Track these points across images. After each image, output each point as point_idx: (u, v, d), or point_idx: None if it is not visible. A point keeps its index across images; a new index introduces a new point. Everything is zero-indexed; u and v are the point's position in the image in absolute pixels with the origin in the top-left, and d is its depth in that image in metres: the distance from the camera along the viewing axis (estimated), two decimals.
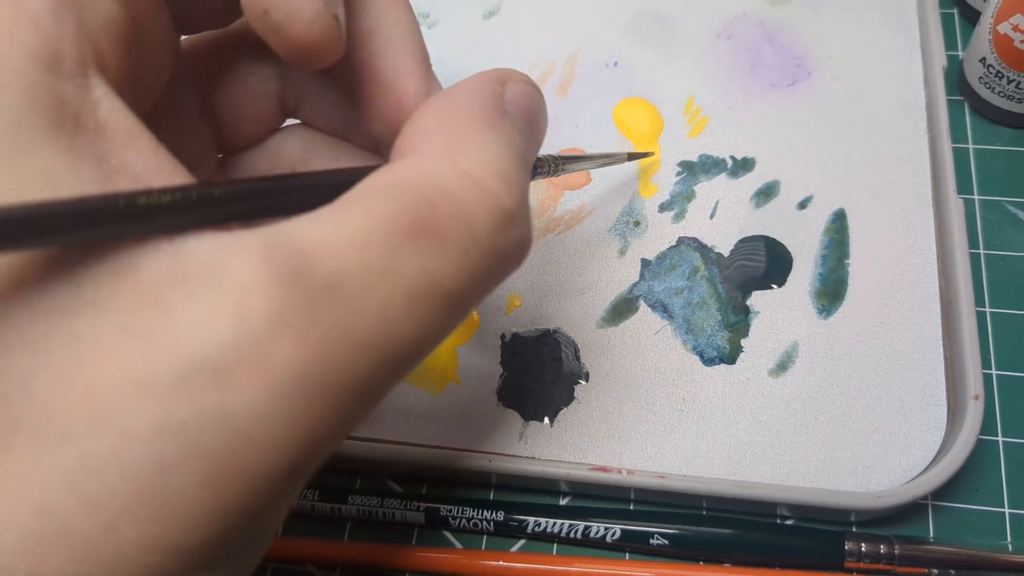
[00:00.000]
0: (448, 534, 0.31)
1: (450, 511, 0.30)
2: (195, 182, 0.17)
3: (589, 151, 0.37)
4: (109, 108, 0.16)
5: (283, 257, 0.16)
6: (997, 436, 0.31)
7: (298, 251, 0.16)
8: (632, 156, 0.35)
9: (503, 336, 0.33)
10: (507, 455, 0.30)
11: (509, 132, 0.20)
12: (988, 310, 0.33)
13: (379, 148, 0.25)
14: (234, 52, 0.25)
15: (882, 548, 0.28)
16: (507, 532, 0.30)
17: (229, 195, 0.17)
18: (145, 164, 0.16)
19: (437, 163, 0.19)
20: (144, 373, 0.15)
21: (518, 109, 0.21)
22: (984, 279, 0.34)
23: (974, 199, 0.35)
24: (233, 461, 0.15)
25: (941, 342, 0.31)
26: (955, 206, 0.33)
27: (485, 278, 0.19)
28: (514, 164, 0.19)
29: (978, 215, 0.35)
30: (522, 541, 0.31)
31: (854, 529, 0.29)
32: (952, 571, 0.28)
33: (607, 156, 0.33)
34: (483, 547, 0.31)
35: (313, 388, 0.16)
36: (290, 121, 0.27)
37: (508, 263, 0.20)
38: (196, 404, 0.15)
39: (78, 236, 0.14)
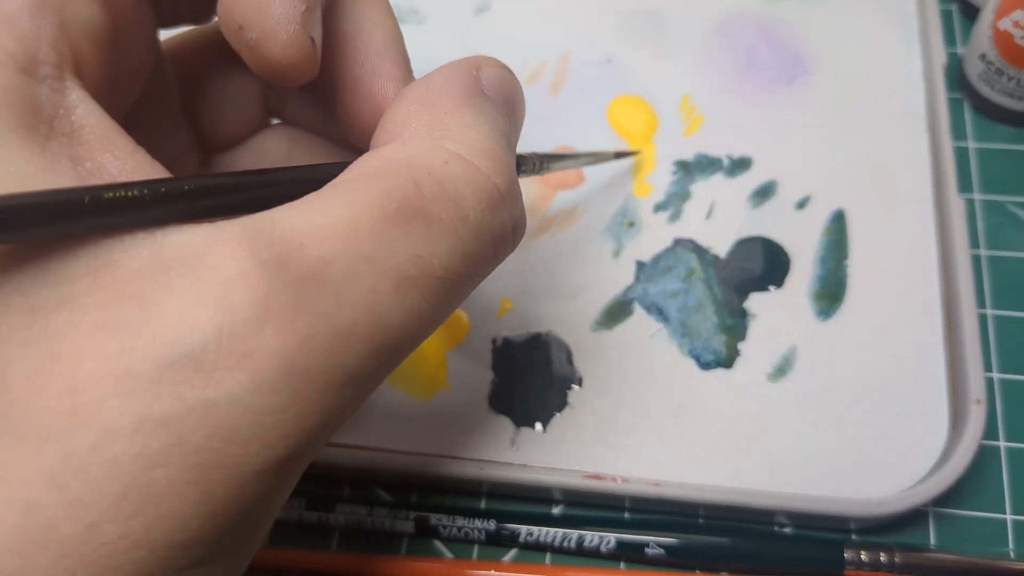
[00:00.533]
0: (439, 543, 0.31)
1: (440, 520, 0.30)
2: (167, 177, 0.17)
3: (582, 150, 0.37)
4: (85, 111, 0.17)
5: (266, 245, 0.16)
6: (999, 441, 0.31)
7: (281, 239, 0.16)
8: (619, 155, 0.35)
9: (494, 340, 0.33)
10: (499, 462, 0.30)
11: (491, 113, 0.20)
12: (989, 312, 0.33)
13: (364, 149, 0.25)
14: (215, 53, 0.25)
15: (882, 556, 0.28)
16: (499, 542, 0.30)
17: (203, 189, 0.17)
18: (122, 166, 0.16)
19: (421, 146, 0.18)
20: (124, 368, 0.15)
21: (496, 92, 0.21)
22: (985, 281, 0.34)
23: (974, 199, 0.36)
24: (219, 456, 0.15)
25: (943, 345, 0.31)
26: (956, 207, 0.33)
27: (478, 261, 0.19)
28: (500, 144, 0.19)
29: (979, 215, 0.35)
30: (514, 551, 0.31)
31: (854, 537, 0.29)
32: None
33: (593, 154, 0.33)
34: (474, 557, 0.31)
35: (299, 379, 0.16)
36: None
37: (502, 245, 0.20)
38: (178, 397, 0.15)
39: (45, 231, 0.14)
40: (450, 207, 0.18)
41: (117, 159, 0.16)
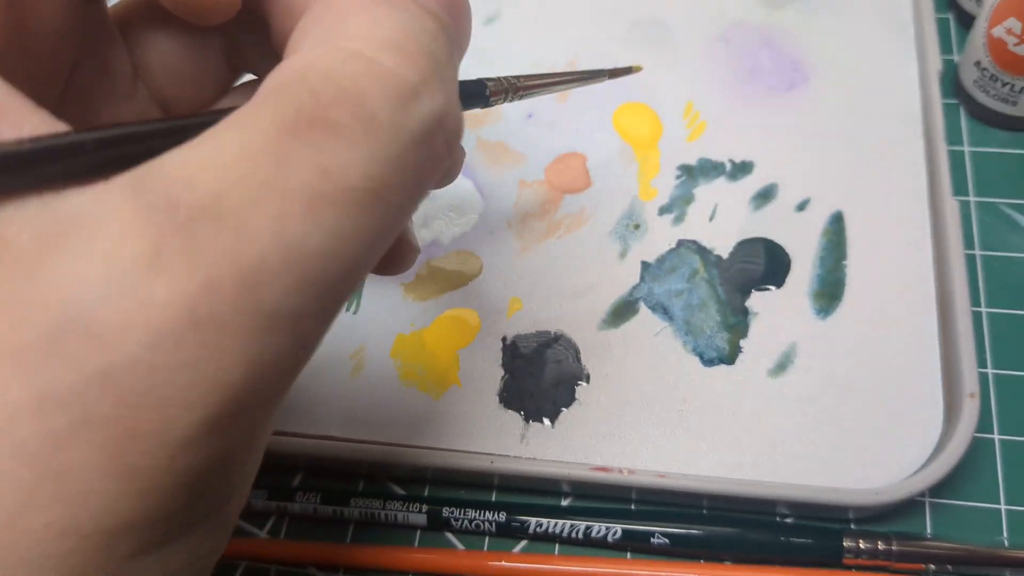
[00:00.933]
0: (450, 535, 0.32)
1: (452, 512, 0.32)
2: (56, 132, 0.15)
3: (590, 156, 0.38)
4: None
5: (154, 191, 0.14)
6: (993, 434, 0.32)
7: (170, 179, 0.14)
8: (614, 73, 0.33)
9: (504, 339, 0.34)
10: (509, 456, 0.32)
11: (407, 9, 0.18)
12: (984, 310, 0.34)
13: None
14: (164, 13, 0.23)
15: (880, 545, 0.29)
16: (509, 533, 0.32)
17: (99, 141, 0.15)
18: (18, 131, 0.15)
19: (319, 51, 0.17)
20: (20, 345, 0.14)
21: None
22: (980, 280, 0.35)
23: (970, 201, 0.37)
24: (133, 425, 0.14)
25: (938, 341, 0.32)
26: (951, 208, 0.34)
27: (401, 164, 0.17)
28: (414, 37, 0.17)
29: (974, 217, 0.36)
30: (524, 542, 0.32)
31: (852, 526, 0.31)
32: (949, 566, 0.29)
33: (581, 74, 0.32)
34: (485, 548, 0.32)
35: (207, 327, 0.14)
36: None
37: (430, 143, 0.17)
38: (75, 368, 0.14)
39: None
40: (352, 109, 0.16)
41: (12, 124, 0.15)
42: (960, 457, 0.29)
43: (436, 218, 0.37)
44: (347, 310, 0.36)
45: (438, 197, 0.37)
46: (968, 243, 0.36)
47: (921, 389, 0.31)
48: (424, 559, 0.31)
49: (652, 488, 0.30)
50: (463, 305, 0.35)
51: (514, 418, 0.32)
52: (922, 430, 0.31)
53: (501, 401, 0.33)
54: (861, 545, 0.29)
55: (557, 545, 0.32)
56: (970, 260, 0.35)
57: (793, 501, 0.30)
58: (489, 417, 0.33)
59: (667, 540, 0.30)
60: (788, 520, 0.31)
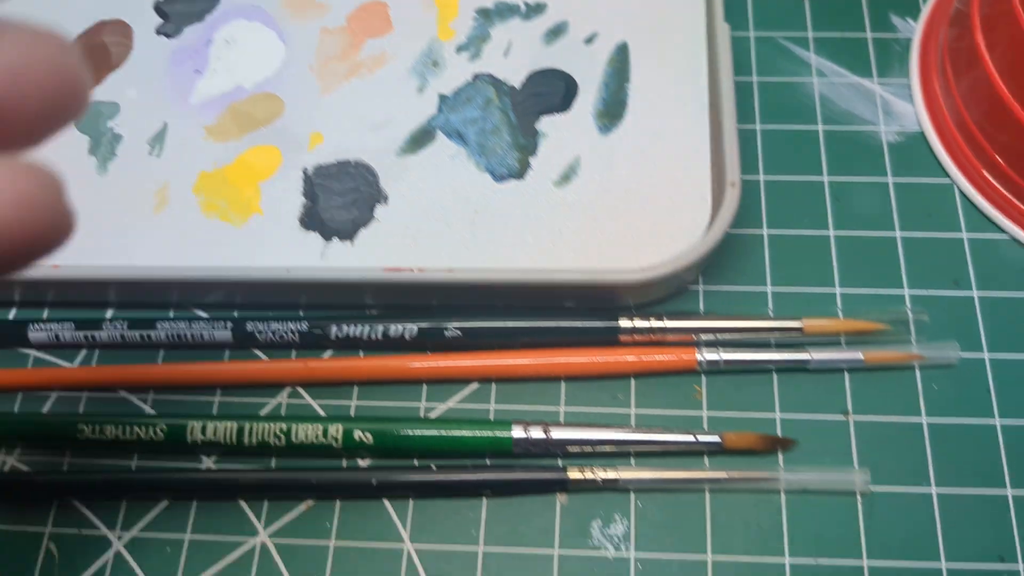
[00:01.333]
0: (258, 352, 0.34)
1: (256, 326, 0.33)
2: None
3: (391, 3, 0.40)
4: None
5: None
6: (762, 229, 0.35)
7: None
8: None
9: (305, 170, 0.36)
10: (306, 268, 0.34)
11: None
12: (759, 127, 0.38)
13: None
14: None
15: (652, 321, 0.32)
16: (314, 343, 0.34)
17: None
18: None
19: None
20: None
21: None
22: (756, 102, 0.39)
23: (750, 36, 0.40)
24: None
25: (708, 147, 0.35)
26: (722, 32, 0.37)
27: None
28: None
29: (753, 49, 0.40)
30: (330, 352, 0.34)
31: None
32: (716, 335, 0.32)
33: None
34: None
35: None
36: None
37: None
38: None
39: None
40: None
41: None
42: (722, 235, 0.32)
43: (237, 65, 0.39)
44: (150, 153, 0.37)
45: (239, 44, 0.39)
46: (747, 71, 0.39)
47: (692, 188, 0.34)
48: (230, 371, 0.33)
49: (443, 284, 0.33)
50: (265, 143, 0.37)
51: (314, 238, 0.34)
52: (693, 221, 0.34)
53: (302, 225, 0.35)
54: (636, 324, 0.32)
55: (361, 351, 0.34)
56: (748, 86, 0.39)
57: (571, 285, 0.32)
58: (290, 239, 0.35)
59: (459, 332, 0.33)
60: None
